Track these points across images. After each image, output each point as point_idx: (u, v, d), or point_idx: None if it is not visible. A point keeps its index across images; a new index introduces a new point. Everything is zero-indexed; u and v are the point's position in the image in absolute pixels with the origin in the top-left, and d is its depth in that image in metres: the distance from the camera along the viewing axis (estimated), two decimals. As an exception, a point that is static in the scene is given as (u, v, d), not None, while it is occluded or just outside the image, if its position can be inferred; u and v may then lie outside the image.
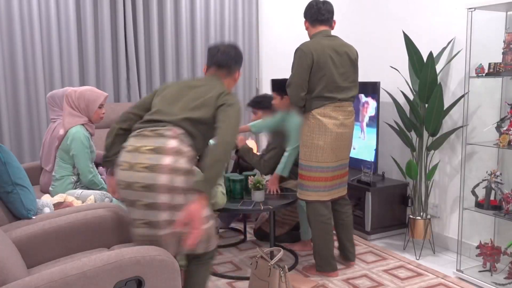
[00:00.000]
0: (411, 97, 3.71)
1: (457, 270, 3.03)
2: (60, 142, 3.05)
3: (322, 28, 2.99)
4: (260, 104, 3.80)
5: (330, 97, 2.91)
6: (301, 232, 3.53)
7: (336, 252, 3.37)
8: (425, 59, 3.48)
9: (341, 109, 2.96)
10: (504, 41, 2.76)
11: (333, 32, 4.49)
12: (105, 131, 4.91)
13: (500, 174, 2.85)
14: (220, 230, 4.02)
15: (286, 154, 3.29)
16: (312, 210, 3.02)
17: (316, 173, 2.97)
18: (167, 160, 1.98)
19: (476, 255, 3.02)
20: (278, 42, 5.61)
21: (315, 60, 2.86)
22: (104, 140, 4.81)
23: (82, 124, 3.06)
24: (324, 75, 2.88)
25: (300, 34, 5.17)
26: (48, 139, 3.44)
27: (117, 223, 2.38)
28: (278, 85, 3.24)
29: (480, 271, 3.00)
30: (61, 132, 3.05)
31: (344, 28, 4.45)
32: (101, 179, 3.14)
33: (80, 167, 3.02)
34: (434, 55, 3.50)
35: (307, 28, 3.04)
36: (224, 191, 2.85)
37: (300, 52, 2.88)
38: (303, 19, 3.08)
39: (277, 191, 3.29)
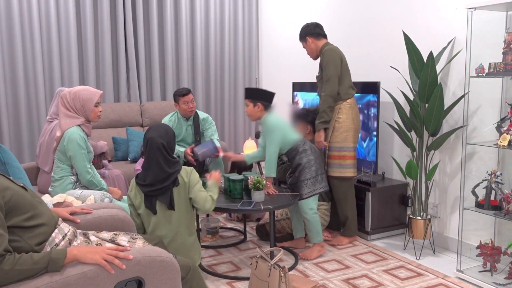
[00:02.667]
0: (411, 97, 3.71)
1: (457, 270, 3.03)
2: (58, 144, 3.05)
3: (325, 40, 3.59)
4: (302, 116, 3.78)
5: (354, 88, 3.57)
6: (296, 230, 3.55)
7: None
8: (425, 59, 3.48)
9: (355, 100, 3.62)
10: (504, 41, 2.76)
11: (334, 32, 4.54)
12: (103, 131, 4.90)
13: (500, 174, 2.85)
14: (220, 230, 4.01)
15: (267, 157, 3.33)
16: (349, 185, 3.60)
17: (352, 152, 3.56)
18: None
19: (476, 255, 3.02)
20: (278, 42, 5.60)
21: (342, 58, 3.48)
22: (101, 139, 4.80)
23: (79, 125, 3.04)
24: (347, 70, 3.52)
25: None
26: (46, 139, 3.41)
27: (118, 224, 2.38)
28: (252, 93, 3.39)
29: (480, 271, 3.00)
30: (58, 133, 3.05)
31: (344, 28, 4.46)
32: (100, 179, 3.13)
33: (77, 168, 3.02)
34: (434, 55, 3.50)
35: (311, 43, 3.57)
36: (215, 196, 2.70)
37: (331, 52, 3.45)
38: (305, 38, 3.59)
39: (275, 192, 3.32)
